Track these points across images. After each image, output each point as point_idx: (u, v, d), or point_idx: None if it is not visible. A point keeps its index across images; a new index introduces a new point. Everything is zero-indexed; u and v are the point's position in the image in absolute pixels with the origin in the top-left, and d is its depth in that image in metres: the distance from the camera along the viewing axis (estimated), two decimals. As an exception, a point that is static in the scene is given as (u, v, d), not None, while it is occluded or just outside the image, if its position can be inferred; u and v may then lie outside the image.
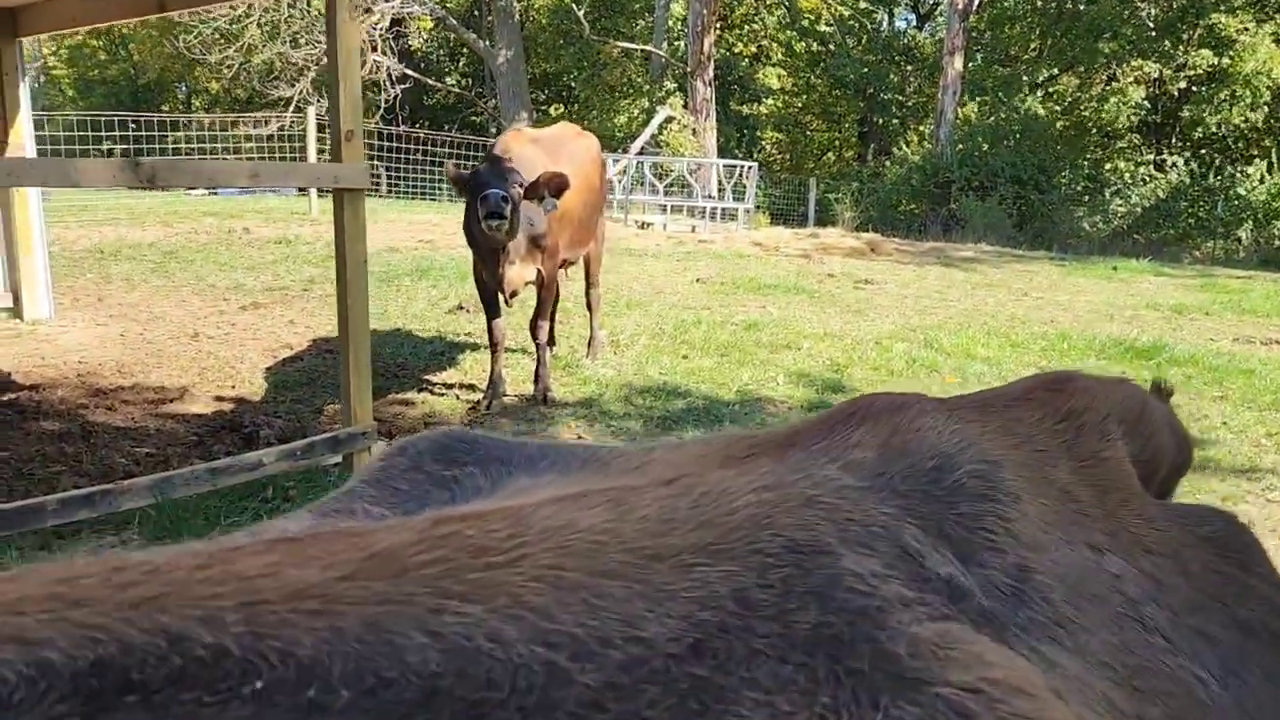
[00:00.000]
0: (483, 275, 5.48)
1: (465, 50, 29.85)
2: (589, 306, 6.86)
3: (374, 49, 23.24)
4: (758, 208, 20.79)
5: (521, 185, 4.99)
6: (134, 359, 6.44)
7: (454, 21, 28.96)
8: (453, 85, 32.91)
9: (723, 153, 25.89)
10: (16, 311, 7.36)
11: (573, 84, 31.06)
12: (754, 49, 32.48)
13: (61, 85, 37.15)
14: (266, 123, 21.32)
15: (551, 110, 33.42)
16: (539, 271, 5.57)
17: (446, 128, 30.47)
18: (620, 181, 18.97)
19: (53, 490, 4.11)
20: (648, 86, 27.48)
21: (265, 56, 22.87)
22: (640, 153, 24.29)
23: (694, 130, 24.71)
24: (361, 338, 4.35)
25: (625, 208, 18.21)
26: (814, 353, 7.30)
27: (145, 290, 8.94)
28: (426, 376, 6.27)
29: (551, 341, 6.94)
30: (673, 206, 19.20)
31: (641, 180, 19.44)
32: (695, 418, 5.49)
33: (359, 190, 4.23)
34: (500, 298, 5.53)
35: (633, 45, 27.31)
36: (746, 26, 31.74)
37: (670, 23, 28.06)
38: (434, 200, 21.44)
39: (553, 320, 6.91)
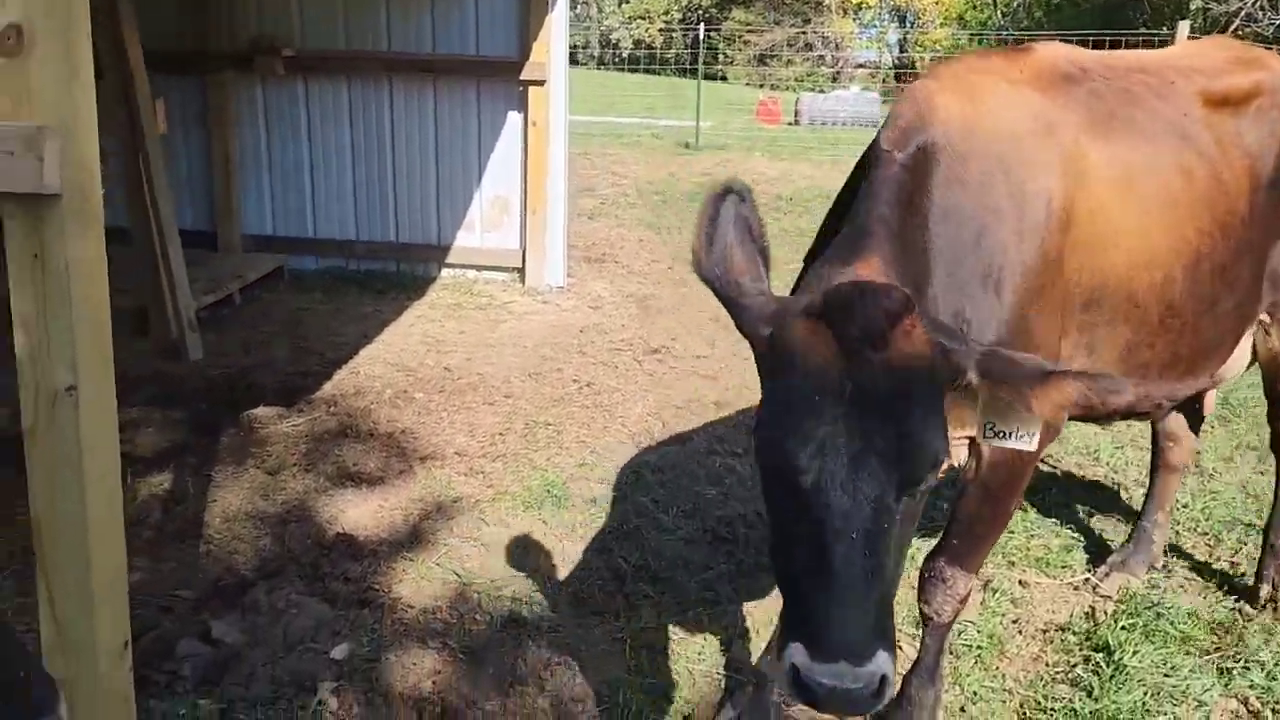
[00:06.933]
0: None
1: None
2: (1165, 465, 3.29)
3: None
4: None
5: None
6: (514, 372, 4.90)
7: None
8: None
9: None
10: (522, 276, 6.33)
11: None
12: None
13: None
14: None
15: None
16: (975, 450, 2.12)
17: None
18: None
19: None
20: None
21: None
22: None
23: None
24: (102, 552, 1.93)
25: None
26: None
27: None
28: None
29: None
30: None
31: None
32: None
33: (44, 200, 1.75)
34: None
35: None
36: None
37: None
38: None
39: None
